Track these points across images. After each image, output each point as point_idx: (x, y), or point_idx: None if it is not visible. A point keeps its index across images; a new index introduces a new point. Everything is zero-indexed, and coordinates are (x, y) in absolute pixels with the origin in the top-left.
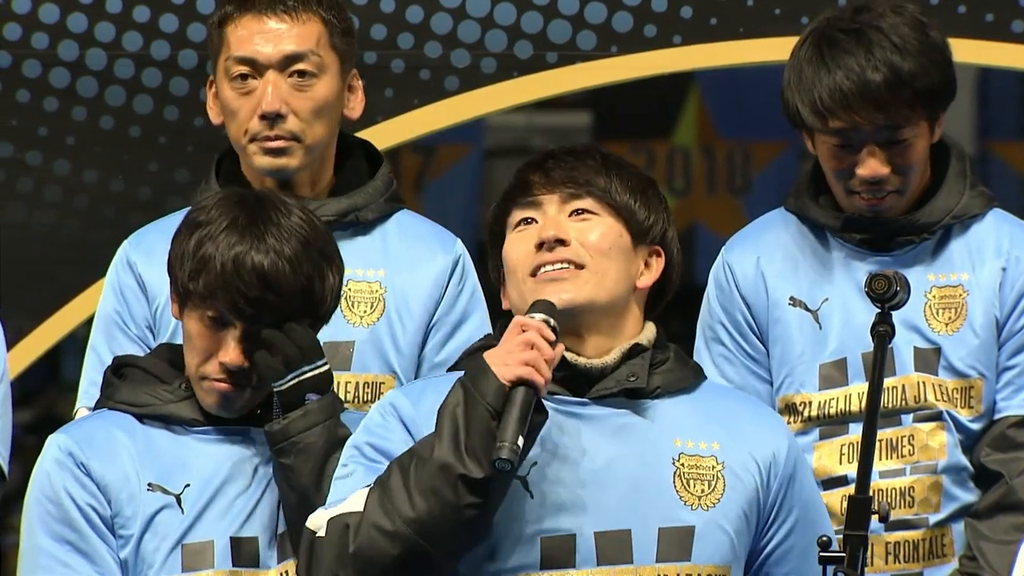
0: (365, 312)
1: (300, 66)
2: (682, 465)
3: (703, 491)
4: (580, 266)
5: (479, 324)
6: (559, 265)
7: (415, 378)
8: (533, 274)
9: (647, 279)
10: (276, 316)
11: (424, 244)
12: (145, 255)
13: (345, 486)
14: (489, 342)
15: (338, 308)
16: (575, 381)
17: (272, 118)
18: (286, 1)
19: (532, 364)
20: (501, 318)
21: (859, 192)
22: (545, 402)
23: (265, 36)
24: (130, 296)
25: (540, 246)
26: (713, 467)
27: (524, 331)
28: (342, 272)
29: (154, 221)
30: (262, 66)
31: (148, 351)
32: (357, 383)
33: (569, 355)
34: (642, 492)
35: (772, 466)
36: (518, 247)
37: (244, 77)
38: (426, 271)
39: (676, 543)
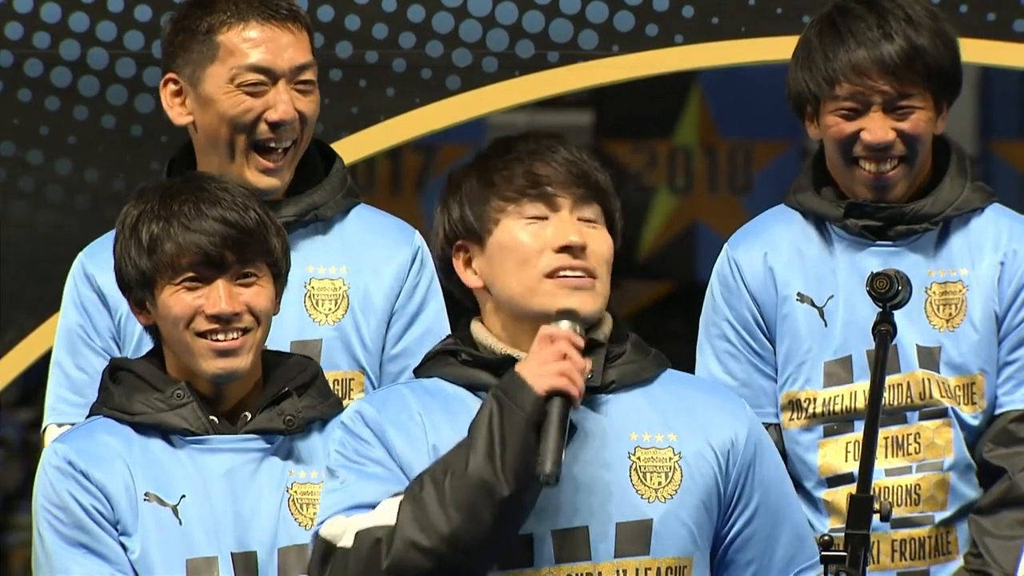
0: (330, 310)
1: (306, 75)
2: (638, 459)
3: (660, 483)
4: (593, 276)
5: (435, 315)
6: (579, 273)
7: (381, 373)
8: (550, 275)
9: None
10: (245, 255)
11: (384, 238)
12: (102, 267)
13: (342, 495)
14: (449, 345)
15: (303, 307)
16: None
17: (284, 126)
18: (282, 11)
19: (567, 375)
20: (463, 317)
21: (863, 162)
22: None
23: (277, 45)
24: (92, 309)
25: (564, 249)
26: (670, 458)
27: (553, 342)
28: (285, 238)
29: (108, 233)
30: (276, 75)
31: None
32: (328, 381)
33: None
34: (598, 488)
35: (731, 453)
36: (533, 241)
37: (255, 84)
38: (387, 265)
39: (634, 538)
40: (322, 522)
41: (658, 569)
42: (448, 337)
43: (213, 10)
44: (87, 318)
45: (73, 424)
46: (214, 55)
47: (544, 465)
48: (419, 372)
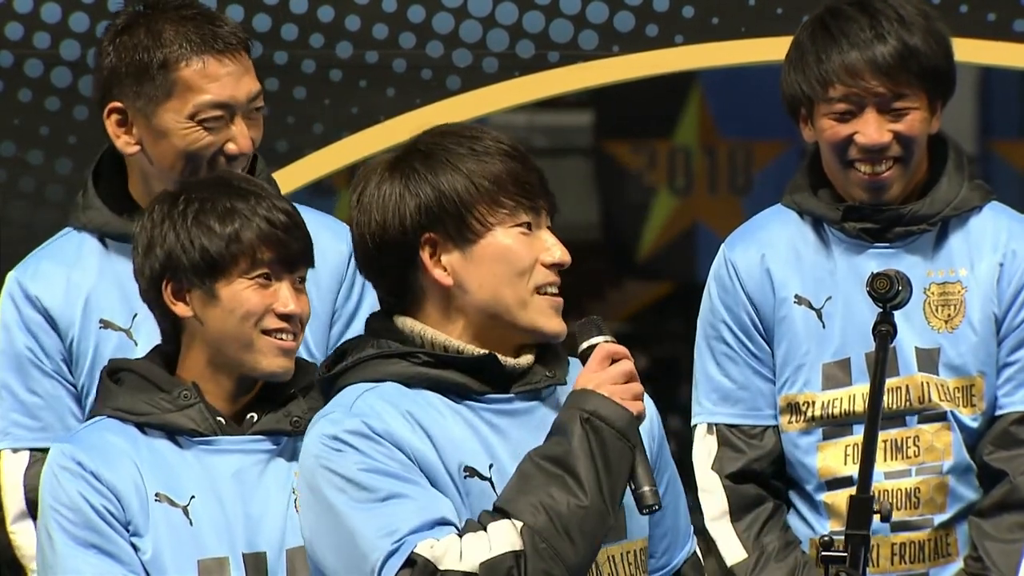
0: None
1: (258, 103)
2: None
3: None
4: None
5: (370, 311)
6: (558, 291)
7: None
8: (539, 291)
9: None
10: (308, 261)
11: (318, 240)
12: (44, 286)
13: (406, 510)
14: (363, 342)
15: None
16: (502, 380)
17: (241, 157)
18: (232, 40)
19: (640, 397)
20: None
21: (859, 164)
22: (476, 402)
23: (235, 78)
24: (39, 332)
25: (553, 266)
26: None
27: (615, 361)
28: None
29: (36, 250)
30: (234, 109)
31: (67, 384)
32: None
33: (501, 358)
34: None
35: (650, 431)
36: (527, 253)
37: (215, 119)
38: (324, 268)
39: (614, 522)
40: (400, 540)
41: (634, 552)
42: (370, 337)
43: (162, 42)
44: (35, 340)
45: (30, 449)
46: (170, 91)
47: (646, 497)
48: (349, 377)
